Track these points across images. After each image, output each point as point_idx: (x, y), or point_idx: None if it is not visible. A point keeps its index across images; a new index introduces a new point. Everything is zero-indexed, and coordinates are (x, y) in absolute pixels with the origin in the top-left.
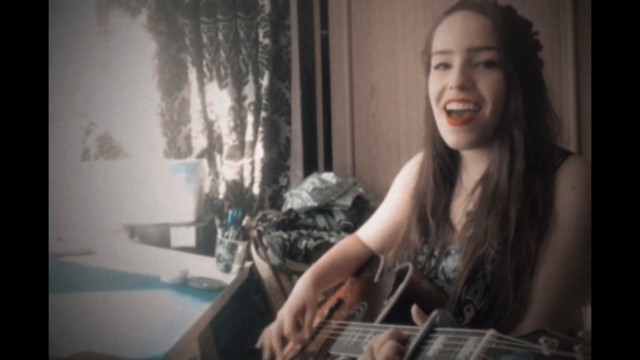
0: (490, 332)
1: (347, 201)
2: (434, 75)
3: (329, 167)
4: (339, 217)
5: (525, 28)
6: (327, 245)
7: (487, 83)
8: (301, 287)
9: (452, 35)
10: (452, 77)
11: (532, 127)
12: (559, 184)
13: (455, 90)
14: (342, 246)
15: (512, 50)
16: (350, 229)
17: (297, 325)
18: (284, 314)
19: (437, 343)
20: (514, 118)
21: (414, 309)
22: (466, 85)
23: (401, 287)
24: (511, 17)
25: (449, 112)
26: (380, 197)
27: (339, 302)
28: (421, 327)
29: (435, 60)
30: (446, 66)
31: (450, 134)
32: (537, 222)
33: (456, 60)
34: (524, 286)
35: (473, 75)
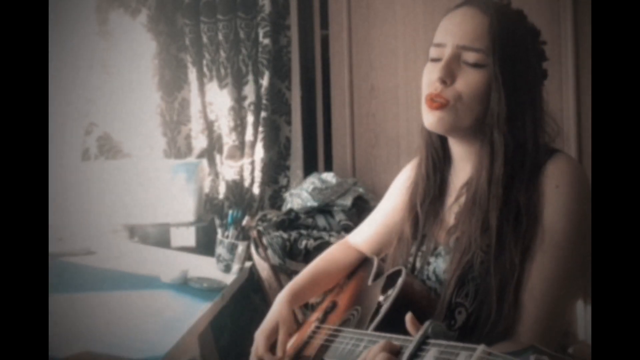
0: (481, 348)
1: (347, 201)
2: (428, 67)
3: (329, 167)
4: (339, 217)
5: (529, 36)
6: (327, 245)
7: (468, 81)
8: (275, 305)
9: (448, 30)
10: (436, 69)
11: (516, 132)
12: (542, 183)
13: (436, 83)
14: (329, 254)
15: (503, 56)
16: (350, 229)
17: (272, 346)
18: (258, 335)
19: (430, 356)
20: (496, 121)
21: (408, 317)
22: (446, 80)
23: (395, 292)
24: (516, 23)
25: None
26: (380, 197)
27: (334, 305)
28: (413, 339)
29: (431, 52)
30: (439, 60)
31: (426, 115)
32: (523, 231)
33: (446, 54)
34: (509, 295)
35: (457, 71)
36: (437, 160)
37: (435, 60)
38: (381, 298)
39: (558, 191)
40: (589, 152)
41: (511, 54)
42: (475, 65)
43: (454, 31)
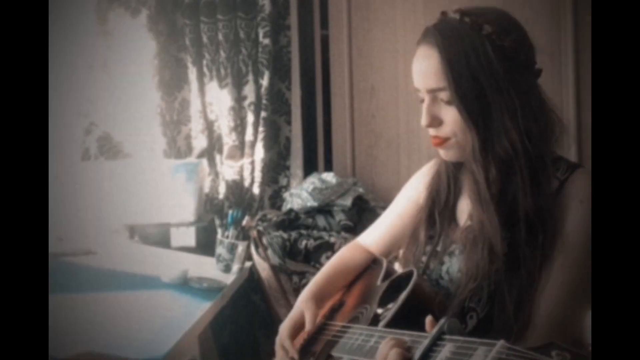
0: (500, 343)
1: (347, 201)
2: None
3: (329, 167)
4: (339, 217)
5: (487, 42)
6: (327, 245)
7: (451, 119)
8: (300, 303)
9: (415, 75)
10: (423, 113)
11: (497, 154)
12: (566, 197)
13: (427, 128)
14: (342, 254)
15: (460, 86)
16: (350, 228)
17: (295, 335)
18: (281, 326)
19: (445, 351)
20: (472, 152)
21: (428, 319)
22: (434, 124)
23: (405, 292)
24: (463, 36)
25: None
26: (380, 197)
27: (341, 304)
28: (429, 334)
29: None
30: (423, 101)
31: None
32: (539, 242)
33: (425, 99)
34: (524, 303)
35: (439, 112)
36: (454, 167)
37: (422, 101)
38: (390, 306)
39: (582, 207)
40: (589, 152)
41: (469, 74)
42: (449, 102)
43: (419, 76)
